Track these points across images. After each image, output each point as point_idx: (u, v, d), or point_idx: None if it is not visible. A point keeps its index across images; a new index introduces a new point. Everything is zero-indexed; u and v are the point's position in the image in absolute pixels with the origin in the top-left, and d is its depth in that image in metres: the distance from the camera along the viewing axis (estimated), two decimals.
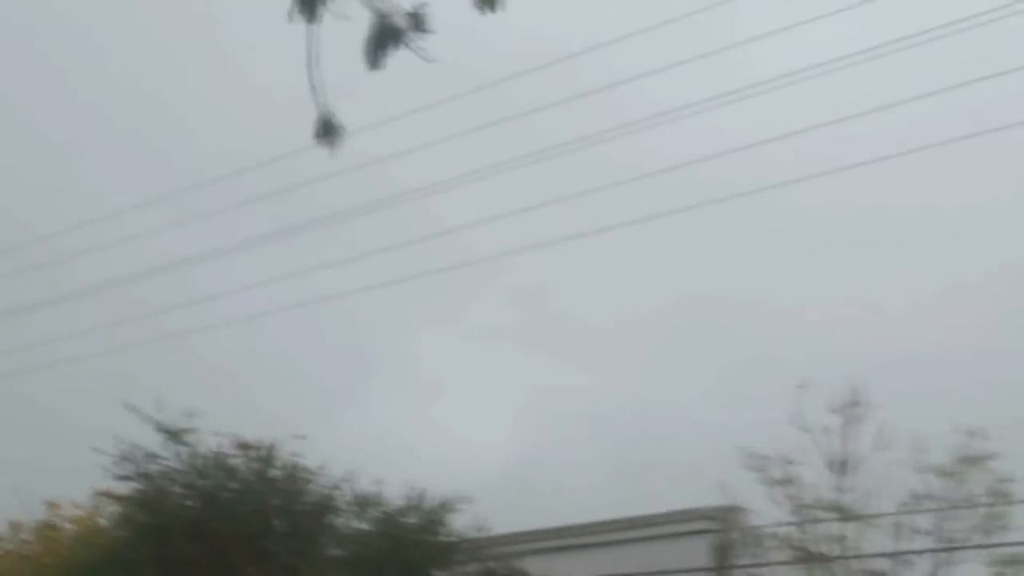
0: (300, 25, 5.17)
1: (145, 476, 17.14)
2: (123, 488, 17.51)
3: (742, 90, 18.20)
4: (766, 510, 18.65)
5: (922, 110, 17.97)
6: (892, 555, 18.13)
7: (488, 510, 18.33)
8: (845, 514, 18.13)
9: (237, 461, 17.36)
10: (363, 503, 17.68)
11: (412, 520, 17.66)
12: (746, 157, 19.16)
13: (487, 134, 20.33)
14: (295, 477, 17.40)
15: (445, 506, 17.77)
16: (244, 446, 17.40)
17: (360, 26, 5.23)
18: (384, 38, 5.22)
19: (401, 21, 5.18)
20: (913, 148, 18.57)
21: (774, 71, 18.24)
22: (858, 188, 24.79)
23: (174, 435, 17.08)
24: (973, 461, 17.71)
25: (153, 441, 17.14)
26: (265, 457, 17.36)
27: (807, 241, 30.78)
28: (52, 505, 22.71)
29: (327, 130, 5.48)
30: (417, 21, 5.18)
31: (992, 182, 26.88)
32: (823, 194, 26.34)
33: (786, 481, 18.28)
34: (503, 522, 19.10)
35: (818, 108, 19.15)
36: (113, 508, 18.76)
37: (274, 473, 17.37)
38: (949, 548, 17.89)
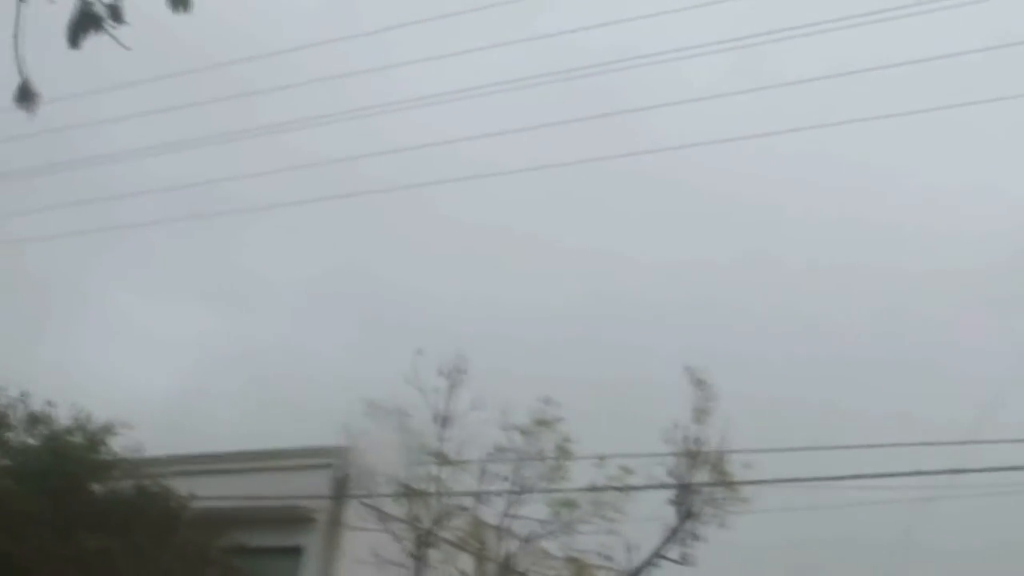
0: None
1: None
2: None
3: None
4: (380, 452, 19.04)
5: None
6: (477, 494, 18.92)
7: (146, 435, 18.15)
8: (443, 459, 18.74)
9: None
10: (33, 421, 17.18)
11: (77, 439, 17.25)
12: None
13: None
14: None
15: (107, 429, 17.49)
16: None
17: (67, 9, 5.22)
18: (85, 23, 5.22)
19: (101, 10, 5.19)
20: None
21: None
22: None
23: None
24: (545, 423, 18.61)
25: None
26: None
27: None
28: None
29: (25, 96, 5.40)
30: (114, 12, 5.22)
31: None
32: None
33: (398, 429, 18.69)
34: (158, 446, 18.85)
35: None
36: None
37: None
38: (521, 491, 18.81)
